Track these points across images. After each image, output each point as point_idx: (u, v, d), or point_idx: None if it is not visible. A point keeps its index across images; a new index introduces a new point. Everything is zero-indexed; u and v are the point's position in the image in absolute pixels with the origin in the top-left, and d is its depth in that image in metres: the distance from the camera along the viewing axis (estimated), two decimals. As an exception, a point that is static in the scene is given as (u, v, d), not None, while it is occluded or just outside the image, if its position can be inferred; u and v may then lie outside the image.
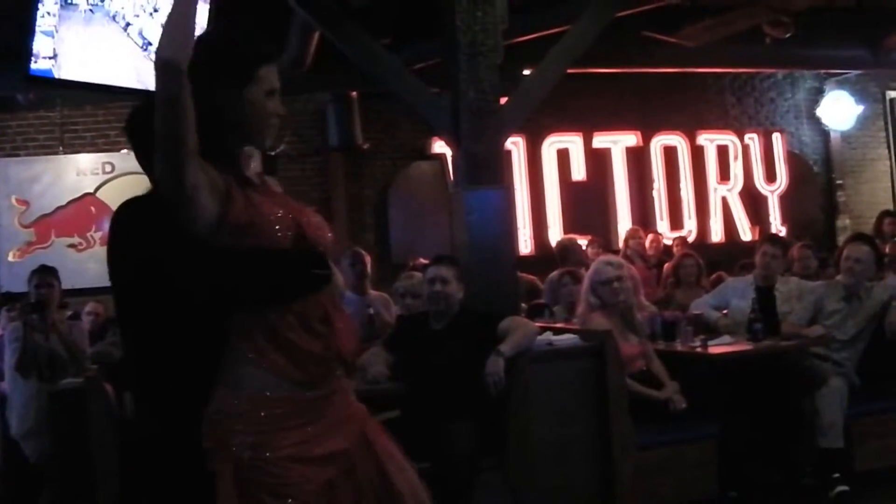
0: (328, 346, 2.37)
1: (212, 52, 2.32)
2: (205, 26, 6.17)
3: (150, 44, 5.94)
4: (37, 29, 5.37)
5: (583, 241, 9.26)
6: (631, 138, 10.66)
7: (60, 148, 9.14)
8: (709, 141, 10.99)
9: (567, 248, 8.34)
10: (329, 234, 2.50)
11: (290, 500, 2.28)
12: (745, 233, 10.87)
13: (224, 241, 2.28)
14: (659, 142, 10.73)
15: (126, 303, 2.54)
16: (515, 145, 9.78)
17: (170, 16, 2.19)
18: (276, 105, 2.40)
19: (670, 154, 10.77)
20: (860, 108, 11.70)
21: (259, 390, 2.31)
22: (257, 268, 2.31)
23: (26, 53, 5.40)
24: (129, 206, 2.54)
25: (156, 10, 5.90)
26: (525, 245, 9.88)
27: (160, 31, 2.18)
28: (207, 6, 6.21)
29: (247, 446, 2.27)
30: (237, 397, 2.31)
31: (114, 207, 2.63)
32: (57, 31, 5.45)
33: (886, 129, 12.22)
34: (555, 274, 7.69)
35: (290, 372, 2.32)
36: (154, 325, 2.43)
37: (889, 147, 12.22)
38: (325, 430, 2.37)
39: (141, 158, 2.52)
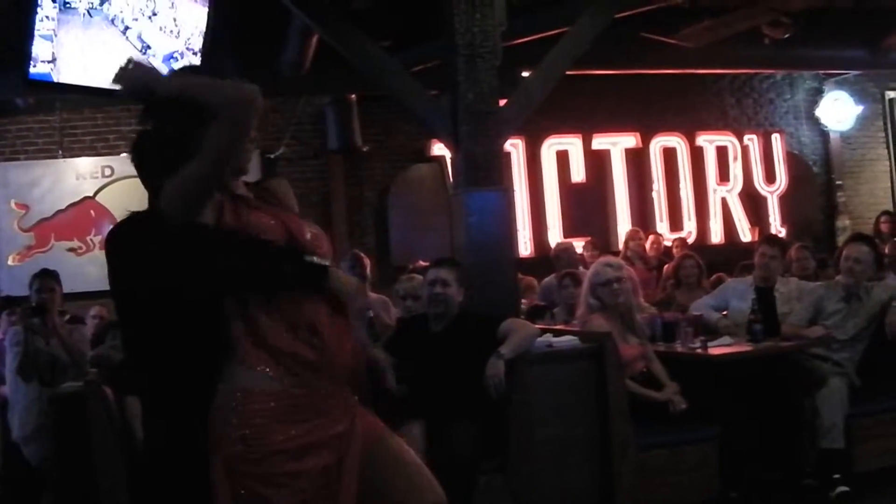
0: (321, 355, 2.40)
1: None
2: (203, 30, 6.18)
3: (149, 47, 5.94)
4: (35, 33, 5.37)
5: (580, 243, 9.29)
6: (630, 140, 10.66)
7: (60, 152, 9.13)
8: (708, 142, 10.99)
9: (559, 254, 8.50)
10: (327, 246, 2.53)
11: (284, 490, 2.31)
12: (745, 234, 10.87)
13: None
14: (658, 143, 10.73)
15: (129, 310, 2.55)
16: (515, 147, 9.78)
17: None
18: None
19: (670, 155, 10.77)
20: (859, 109, 11.70)
21: (252, 384, 2.35)
22: (252, 254, 2.38)
23: (25, 57, 5.40)
24: (126, 223, 2.56)
25: (154, 14, 5.90)
26: (525, 247, 9.89)
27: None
28: (207, 9, 6.21)
29: (238, 439, 2.31)
30: (231, 392, 2.36)
31: (113, 211, 2.67)
32: (56, 35, 5.45)
33: (885, 130, 12.21)
34: (549, 278, 7.76)
35: (282, 376, 2.36)
36: (157, 331, 2.45)
37: (888, 147, 12.22)
38: (322, 422, 2.39)
39: (149, 181, 2.54)
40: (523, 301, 6.79)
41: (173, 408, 2.45)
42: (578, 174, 10.39)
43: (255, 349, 2.37)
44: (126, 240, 2.53)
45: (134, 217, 2.56)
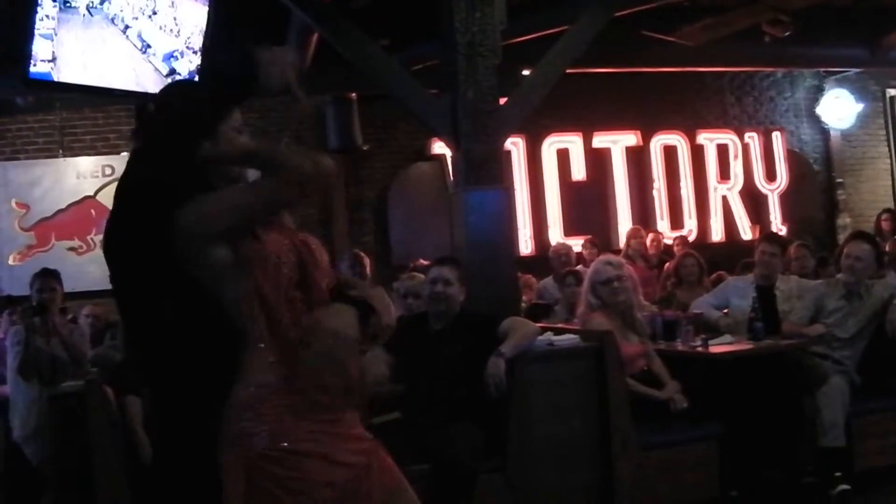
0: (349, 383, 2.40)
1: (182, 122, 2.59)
2: (203, 29, 6.18)
3: (149, 46, 5.94)
4: (35, 32, 5.37)
5: (580, 241, 9.30)
6: (631, 138, 10.66)
7: (60, 151, 9.14)
8: (708, 140, 10.99)
9: (553, 257, 8.58)
10: (325, 257, 2.52)
11: (302, 497, 2.29)
12: (746, 232, 10.87)
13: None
14: (659, 141, 10.73)
15: (138, 302, 2.51)
16: (515, 145, 9.77)
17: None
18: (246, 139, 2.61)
19: (670, 153, 10.77)
20: (860, 107, 11.70)
21: (270, 380, 2.32)
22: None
23: (25, 57, 5.40)
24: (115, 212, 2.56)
25: (154, 13, 5.90)
26: (525, 245, 9.89)
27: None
28: (207, 8, 6.21)
29: (264, 436, 2.28)
30: (248, 387, 2.33)
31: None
32: (56, 35, 5.45)
33: (886, 128, 12.22)
34: (547, 279, 7.81)
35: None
36: (167, 325, 2.42)
37: (889, 145, 12.22)
38: (340, 432, 2.38)
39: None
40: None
41: (184, 406, 2.42)
42: (579, 172, 10.39)
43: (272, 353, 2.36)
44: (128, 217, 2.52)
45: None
